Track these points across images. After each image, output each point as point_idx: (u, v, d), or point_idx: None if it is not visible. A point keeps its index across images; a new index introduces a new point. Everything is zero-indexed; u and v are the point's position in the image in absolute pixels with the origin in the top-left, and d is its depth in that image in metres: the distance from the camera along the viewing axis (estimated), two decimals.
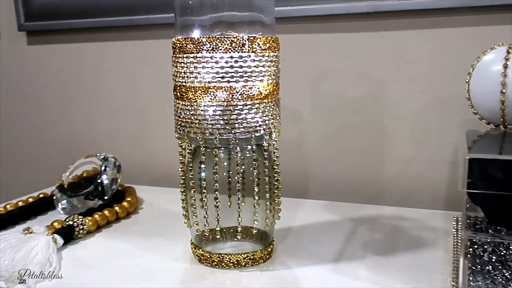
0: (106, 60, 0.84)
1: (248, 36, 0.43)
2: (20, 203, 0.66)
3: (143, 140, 0.84)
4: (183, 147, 0.47)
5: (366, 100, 0.69)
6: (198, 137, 0.44)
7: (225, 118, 0.43)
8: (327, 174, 0.73)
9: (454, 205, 0.67)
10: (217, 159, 0.46)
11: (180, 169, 0.48)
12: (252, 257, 0.48)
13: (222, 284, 0.45)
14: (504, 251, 0.40)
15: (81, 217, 0.57)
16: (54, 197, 0.66)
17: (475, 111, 0.49)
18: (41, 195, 0.68)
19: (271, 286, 0.45)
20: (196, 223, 0.47)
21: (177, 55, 0.44)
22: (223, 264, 0.47)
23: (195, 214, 0.47)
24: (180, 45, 0.44)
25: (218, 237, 0.49)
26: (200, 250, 0.48)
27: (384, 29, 0.67)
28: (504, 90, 0.44)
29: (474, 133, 0.50)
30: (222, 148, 0.46)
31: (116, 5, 0.79)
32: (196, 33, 0.45)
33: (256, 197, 0.47)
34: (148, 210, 0.67)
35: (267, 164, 0.47)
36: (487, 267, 0.42)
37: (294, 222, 0.60)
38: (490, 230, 0.42)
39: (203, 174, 0.46)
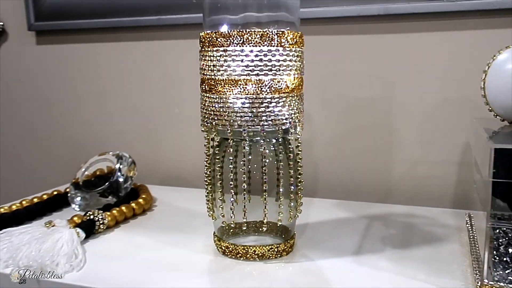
0: (115, 61, 0.84)
1: (277, 31, 0.44)
2: (36, 200, 0.66)
3: (152, 141, 0.84)
4: (210, 139, 0.48)
5: (376, 101, 0.71)
6: (226, 130, 0.45)
7: (254, 110, 0.45)
8: (336, 173, 0.74)
9: (461, 204, 0.69)
10: (241, 152, 0.47)
11: (205, 162, 0.49)
12: (276, 249, 0.49)
13: (249, 274, 0.46)
14: None
15: (101, 211, 0.58)
16: (69, 194, 0.67)
17: (490, 108, 0.50)
18: (55, 192, 0.68)
19: (297, 277, 0.45)
20: (222, 215, 0.48)
21: (206, 49, 0.45)
22: (247, 256, 0.48)
23: (221, 206, 0.48)
24: (210, 38, 0.45)
25: (244, 229, 0.50)
26: (225, 242, 0.49)
27: (394, 32, 0.69)
28: None
29: (489, 130, 0.51)
30: (247, 141, 0.46)
31: (127, 6, 0.80)
32: (224, 29, 0.46)
33: (281, 190, 0.47)
34: (162, 207, 0.67)
35: (292, 157, 0.48)
36: (505, 258, 0.43)
37: (309, 219, 0.61)
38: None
39: (230, 166, 0.46)
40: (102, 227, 0.57)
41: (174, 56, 0.81)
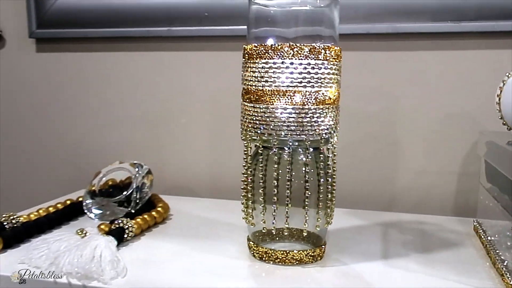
0: (119, 70, 0.85)
1: (324, 45, 0.47)
2: (51, 209, 0.65)
3: (157, 151, 0.85)
4: (251, 148, 0.50)
5: (382, 114, 0.75)
6: (273, 138, 0.47)
7: (300, 120, 0.47)
8: (344, 183, 0.77)
9: (462, 212, 0.73)
10: (271, 161, 0.49)
11: (244, 170, 0.50)
12: (312, 254, 0.51)
13: (291, 278, 0.48)
14: None
15: (129, 219, 0.58)
16: (84, 203, 0.66)
17: (504, 122, 0.55)
18: (68, 201, 0.68)
19: (338, 279, 0.48)
20: (263, 221, 0.50)
21: (254, 61, 0.47)
22: (286, 261, 0.50)
23: (262, 213, 0.49)
24: (259, 51, 0.47)
25: (286, 234, 0.52)
26: (264, 247, 0.51)
27: (401, 49, 0.73)
28: None
29: (498, 141, 0.56)
30: (290, 150, 0.49)
31: (136, 15, 0.81)
32: (270, 41, 0.48)
33: (320, 198, 0.50)
34: (180, 216, 0.68)
35: (324, 166, 0.50)
36: None
37: None
38: None
39: (274, 174, 0.48)
40: (130, 235, 0.57)
41: (182, 67, 0.82)
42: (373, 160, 0.76)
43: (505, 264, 0.48)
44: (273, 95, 0.47)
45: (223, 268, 0.50)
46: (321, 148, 0.51)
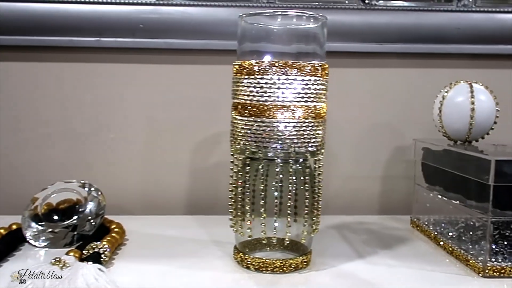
0: (36, 82, 0.77)
1: (321, 63, 0.50)
2: None
3: (83, 168, 0.79)
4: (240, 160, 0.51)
5: None
6: (276, 151, 0.49)
7: (301, 133, 0.49)
8: None
9: (386, 211, 0.82)
10: (266, 172, 0.51)
11: (234, 182, 0.52)
12: (303, 261, 0.53)
13: (298, 283, 0.49)
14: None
15: (102, 243, 0.54)
16: (27, 229, 0.59)
17: (444, 131, 0.64)
18: (14, 226, 0.61)
19: (339, 280, 0.51)
20: (249, 229, 0.52)
21: (256, 76, 0.49)
22: (284, 268, 0.52)
23: (249, 221, 0.51)
24: (262, 67, 0.48)
25: (274, 242, 0.53)
26: (258, 257, 0.52)
27: (331, 66, 0.79)
28: (473, 115, 0.60)
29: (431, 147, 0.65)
30: (280, 162, 0.51)
31: (56, 23, 0.75)
32: (267, 58, 0.50)
33: (307, 208, 0.52)
34: (135, 236, 0.64)
35: (316, 175, 0.53)
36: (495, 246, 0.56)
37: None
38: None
39: (262, 186, 0.50)
40: (106, 259, 0.53)
41: (112, 80, 0.78)
42: None
43: (467, 251, 0.56)
44: (276, 110, 0.48)
45: (227, 282, 0.50)
46: (307, 160, 0.54)
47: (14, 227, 0.62)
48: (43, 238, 0.59)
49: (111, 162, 0.79)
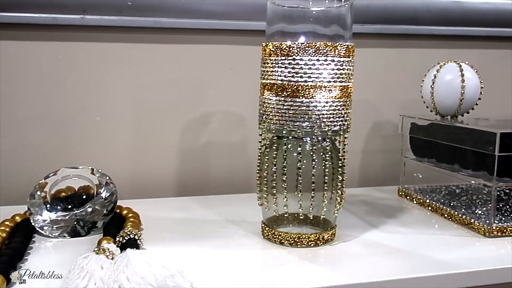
0: (16, 62, 0.72)
1: (350, 45, 0.52)
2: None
3: (65, 153, 0.75)
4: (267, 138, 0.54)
5: None
6: (314, 130, 0.51)
7: (336, 112, 0.52)
8: None
9: (365, 183, 0.87)
10: (300, 149, 0.53)
11: (261, 159, 0.54)
12: (334, 233, 0.56)
13: (331, 255, 0.52)
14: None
15: (131, 228, 0.53)
16: (35, 218, 0.57)
17: (435, 108, 0.69)
18: (18, 217, 0.57)
19: (372, 248, 0.54)
20: (285, 206, 0.54)
21: (295, 57, 0.50)
22: (318, 242, 0.54)
23: (285, 198, 0.53)
24: (299, 48, 0.50)
25: (301, 217, 0.56)
26: (295, 233, 0.54)
27: None
28: (463, 92, 0.66)
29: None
30: (308, 139, 0.53)
31: (44, 1, 0.70)
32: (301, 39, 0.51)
33: (336, 185, 0.55)
34: (149, 221, 0.63)
35: (344, 153, 0.56)
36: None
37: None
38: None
39: (310, 163, 0.52)
40: (141, 245, 0.52)
41: (97, 60, 0.75)
42: None
43: (473, 214, 0.62)
44: (315, 90, 0.50)
45: (267, 258, 0.51)
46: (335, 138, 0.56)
47: (18, 218, 0.58)
48: (56, 227, 0.57)
49: (97, 146, 0.76)
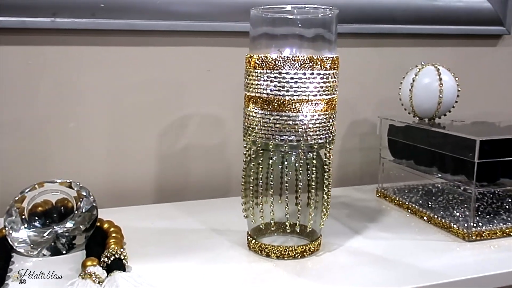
0: None
1: (336, 57, 0.52)
2: None
3: (39, 161, 0.73)
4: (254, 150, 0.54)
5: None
6: (300, 143, 0.51)
7: (322, 125, 0.51)
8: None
9: (343, 182, 0.88)
10: (286, 162, 0.53)
11: (247, 170, 0.54)
12: (319, 243, 0.57)
13: (329, 265, 0.53)
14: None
15: (115, 247, 0.52)
16: (12, 235, 0.55)
17: (413, 111, 0.70)
18: None
19: (358, 257, 0.55)
20: (272, 219, 0.54)
21: (280, 70, 0.49)
22: (304, 253, 0.55)
23: (272, 211, 0.53)
24: (285, 61, 0.49)
25: (288, 230, 0.56)
26: (283, 246, 0.54)
27: None
28: (441, 96, 0.67)
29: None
30: (294, 152, 0.53)
31: (4, 2, 0.67)
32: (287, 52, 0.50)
33: (314, 197, 0.55)
34: (131, 233, 0.61)
35: (328, 164, 0.56)
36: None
37: None
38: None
39: (292, 174, 0.52)
40: (127, 264, 0.51)
41: (69, 64, 0.72)
42: None
43: (452, 217, 0.63)
44: (300, 103, 0.50)
45: (254, 273, 0.51)
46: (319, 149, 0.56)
47: None
48: (35, 245, 0.55)
49: (71, 153, 0.74)
